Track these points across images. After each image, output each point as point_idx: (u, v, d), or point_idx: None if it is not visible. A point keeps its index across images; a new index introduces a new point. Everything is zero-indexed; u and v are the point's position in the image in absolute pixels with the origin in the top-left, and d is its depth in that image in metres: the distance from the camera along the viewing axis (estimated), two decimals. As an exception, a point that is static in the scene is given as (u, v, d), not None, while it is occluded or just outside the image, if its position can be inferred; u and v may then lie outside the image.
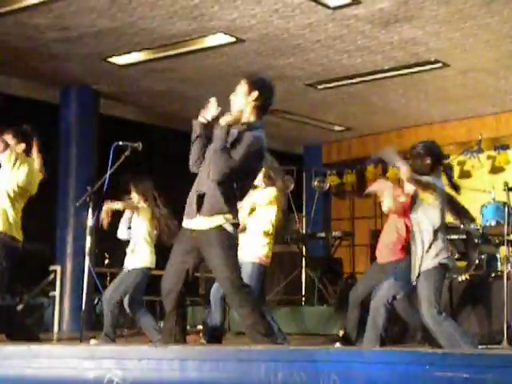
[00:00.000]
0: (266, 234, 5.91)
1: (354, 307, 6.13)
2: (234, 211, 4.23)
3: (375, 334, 5.35)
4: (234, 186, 4.22)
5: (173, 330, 4.22)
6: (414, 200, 5.00)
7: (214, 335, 5.94)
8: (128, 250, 6.57)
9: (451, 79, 9.45)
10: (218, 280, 4.29)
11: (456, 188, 5.16)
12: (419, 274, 4.81)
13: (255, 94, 4.31)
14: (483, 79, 9.42)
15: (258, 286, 5.93)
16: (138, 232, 6.46)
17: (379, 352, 2.93)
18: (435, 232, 4.83)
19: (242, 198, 4.37)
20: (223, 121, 4.26)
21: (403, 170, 4.80)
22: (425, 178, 4.87)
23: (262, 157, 4.33)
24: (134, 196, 6.45)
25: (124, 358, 2.90)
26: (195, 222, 4.22)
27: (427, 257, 4.81)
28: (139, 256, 6.41)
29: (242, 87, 4.37)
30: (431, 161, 4.98)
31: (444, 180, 5.10)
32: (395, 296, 5.38)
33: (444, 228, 4.96)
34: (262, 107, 4.36)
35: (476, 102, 10.46)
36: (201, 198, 4.20)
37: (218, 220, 4.17)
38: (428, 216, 4.85)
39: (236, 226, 4.25)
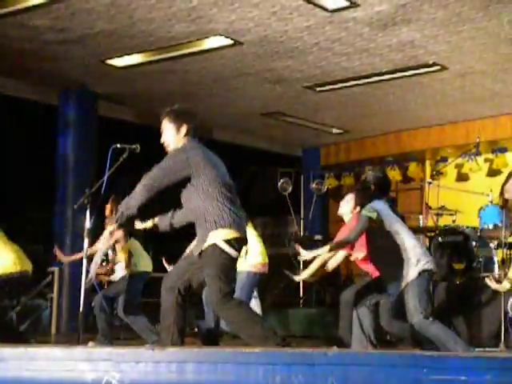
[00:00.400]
0: (259, 239, 5.93)
1: (344, 310, 6.12)
2: (224, 226, 4.22)
3: (362, 334, 5.47)
4: (207, 203, 4.24)
5: (171, 329, 4.23)
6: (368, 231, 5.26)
7: (209, 337, 5.95)
8: (118, 265, 6.71)
9: (449, 82, 9.47)
10: (208, 294, 4.34)
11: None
12: (406, 284, 4.94)
13: (184, 128, 4.46)
14: (481, 82, 9.43)
15: (250, 294, 5.95)
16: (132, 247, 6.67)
17: (377, 355, 2.94)
18: (405, 243, 5.04)
19: (226, 204, 4.30)
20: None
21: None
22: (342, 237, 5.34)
23: (194, 162, 4.30)
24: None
25: (121, 361, 2.91)
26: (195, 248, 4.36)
27: (410, 267, 4.98)
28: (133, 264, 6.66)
29: (169, 125, 4.50)
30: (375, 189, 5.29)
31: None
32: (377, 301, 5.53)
33: (411, 235, 5.18)
34: (192, 133, 4.49)
35: (474, 104, 10.47)
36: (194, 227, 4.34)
37: (211, 239, 4.21)
38: (393, 234, 5.09)
39: (231, 242, 4.22)
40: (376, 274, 5.61)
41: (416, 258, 4.99)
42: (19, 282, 5.76)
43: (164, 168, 4.32)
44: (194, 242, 4.41)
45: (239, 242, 4.26)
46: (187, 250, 4.96)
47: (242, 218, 4.34)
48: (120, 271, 6.75)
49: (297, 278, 6.15)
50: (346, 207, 6.06)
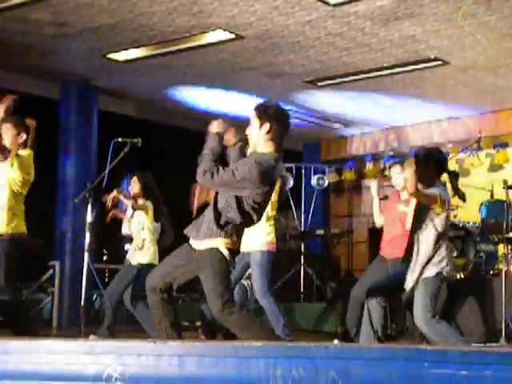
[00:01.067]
0: (269, 218, 5.92)
1: (354, 304, 6.11)
2: (231, 236, 4.17)
3: (371, 330, 5.42)
4: (232, 213, 4.14)
5: (162, 324, 4.25)
6: (418, 208, 5.03)
7: (210, 330, 5.96)
8: (132, 247, 6.60)
9: (451, 77, 9.45)
10: (208, 300, 4.30)
11: (461, 197, 5.18)
12: (417, 281, 4.86)
13: (267, 126, 4.19)
14: (483, 77, 9.41)
15: (269, 275, 5.95)
16: (143, 229, 6.53)
17: (378, 349, 2.94)
18: (438, 240, 4.89)
19: (247, 223, 4.24)
20: (214, 129, 4.21)
21: (408, 186, 4.83)
22: (430, 192, 4.88)
23: (265, 184, 4.10)
24: (137, 193, 6.50)
25: (123, 354, 2.91)
26: (195, 242, 4.26)
27: (429, 264, 4.85)
28: (147, 252, 6.50)
29: (253, 120, 4.23)
30: (434, 167, 4.98)
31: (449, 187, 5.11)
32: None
33: (447, 236, 5.03)
34: (277, 139, 4.24)
35: (475, 99, 10.46)
36: (201, 220, 4.24)
37: (214, 243, 4.16)
38: (434, 224, 4.89)
39: (233, 251, 4.20)
40: (401, 254, 5.52)
41: (439, 258, 4.87)
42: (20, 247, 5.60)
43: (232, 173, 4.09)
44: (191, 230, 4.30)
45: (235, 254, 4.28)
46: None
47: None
48: (137, 255, 6.58)
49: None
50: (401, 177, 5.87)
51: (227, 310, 4.11)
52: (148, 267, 6.45)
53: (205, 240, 4.18)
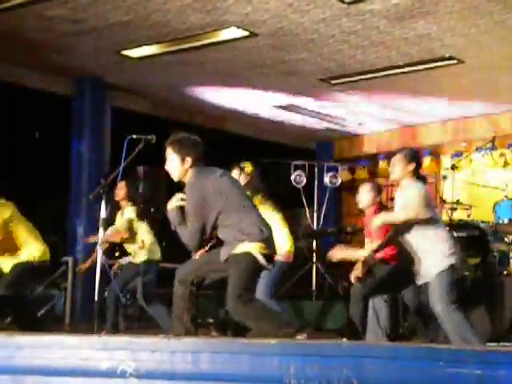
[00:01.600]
0: (284, 223, 5.91)
1: (355, 302, 6.07)
2: (263, 242, 4.30)
3: (378, 328, 5.42)
4: (238, 223, 4.32)
5: (183, 317, 4.29)
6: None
7: (223, 327, 5.97)
8: (135, 246, 6.74)
9: (466, 76, 9.40)
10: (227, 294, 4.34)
11: None
12: (433, 275, 4.82)
13: (188, 160, 4.43)
14: (498, 76, 9.36)
15: (274, 282, 5.94)
16: (143, 228, 6.78)
17: (391, 347, 2.93)
18: (440, 233, 4.88)
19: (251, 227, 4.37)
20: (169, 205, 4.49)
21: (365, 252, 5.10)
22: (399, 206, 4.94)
23: (214, 192, 4.37)
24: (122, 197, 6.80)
25: (137, 350, 2.92)
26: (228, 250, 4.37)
27: (441, 257, 4.82)
28: (147, 250, 6.77)
29: (173, 156, 4.46)
30: (415, 167, 4.99)
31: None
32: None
33: (442, 225, 5.06)
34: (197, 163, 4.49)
35: (490, 99, 10.41)
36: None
37: (247, 247, 4.27)
38: (425, 222, 4.86)
39: (267, 256, 4.31)
40: (393, 262, 5.50)
41: (449, 251, 4.83)
42: (40, 270, 5.87)
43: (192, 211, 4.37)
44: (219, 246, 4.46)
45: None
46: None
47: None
48: (140, 254, 6.79)
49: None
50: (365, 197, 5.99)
51: (242, 301, 4.17)
52: (150, 263, 6.63)
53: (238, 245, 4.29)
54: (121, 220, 6.83)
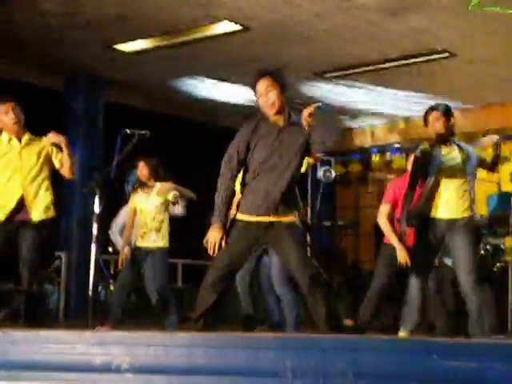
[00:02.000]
0: None
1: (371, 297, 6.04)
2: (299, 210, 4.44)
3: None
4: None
5: (201, 320, 4.12)
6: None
7: (247, 324, 5.95)
8: (148, 229, 6.39)
9: (458, 69, 9.41)
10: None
11: None
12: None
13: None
14: (491, 69, 9.37)
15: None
16: (162, 210, 6.41)
17: (387, 340, 2.93)
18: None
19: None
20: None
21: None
22: None
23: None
24: (147, 176, 6.43)
25: (132, 344, 2.91)
26: (269, 218, 4.28)
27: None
28: (166, 235, 6.36)
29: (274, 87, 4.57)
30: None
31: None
32: None
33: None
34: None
35: (483, 92, 10.42)
36: (276, 198, 4.29)
37: (292, 217, 4.30)
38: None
39: (305, 223, 4.46)
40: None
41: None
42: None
43: None
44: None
45: None
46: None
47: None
48: (166, 236, 6.37)
49: None
50: None
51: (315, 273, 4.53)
52: (168, 251, 6.35)
53: (284, 216, 4.28)
54: (168, 191, 6.28)
